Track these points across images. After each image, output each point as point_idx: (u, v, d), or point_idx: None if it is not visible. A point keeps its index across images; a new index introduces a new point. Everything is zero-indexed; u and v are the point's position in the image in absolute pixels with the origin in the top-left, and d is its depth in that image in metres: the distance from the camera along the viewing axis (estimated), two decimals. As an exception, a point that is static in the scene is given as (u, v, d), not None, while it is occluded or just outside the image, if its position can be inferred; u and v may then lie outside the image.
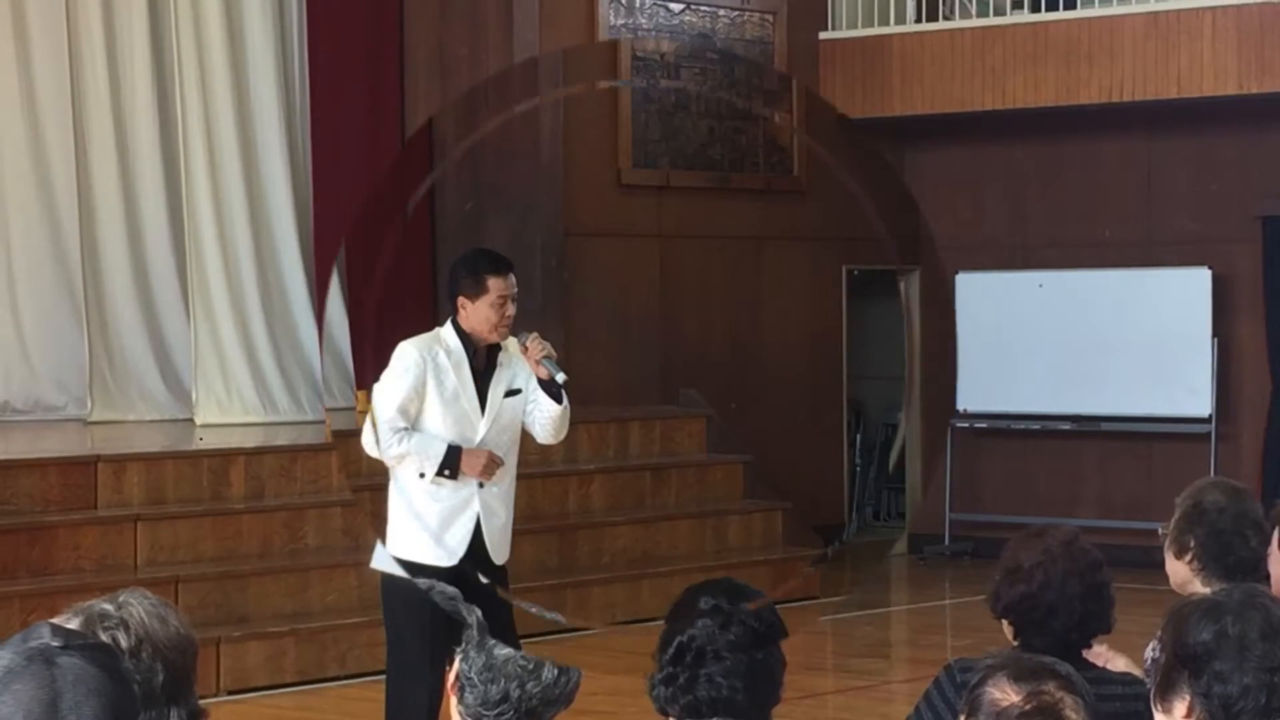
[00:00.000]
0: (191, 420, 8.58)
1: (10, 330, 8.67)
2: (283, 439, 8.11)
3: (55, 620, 1.50)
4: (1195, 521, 3.08)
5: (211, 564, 7.00)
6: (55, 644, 1.36)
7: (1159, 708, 2.02)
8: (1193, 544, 3.07)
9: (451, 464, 4.73)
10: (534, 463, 7.19)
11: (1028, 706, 1.89)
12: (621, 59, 9.32)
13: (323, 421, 8.62)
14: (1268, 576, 2.99)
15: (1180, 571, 3.10)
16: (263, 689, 6.69)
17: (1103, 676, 2.84)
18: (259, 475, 7.41)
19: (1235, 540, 3.05)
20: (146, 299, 8.80)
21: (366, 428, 4.78)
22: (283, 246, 8.90)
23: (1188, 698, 1.98)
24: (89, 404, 8.64)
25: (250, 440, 7.91)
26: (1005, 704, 1.90)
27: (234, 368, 8.64)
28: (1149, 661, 3.06)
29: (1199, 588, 3.04)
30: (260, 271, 8.80)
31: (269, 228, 8.88)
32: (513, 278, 4.79)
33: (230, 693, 6.58)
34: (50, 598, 6.20)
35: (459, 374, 4.76)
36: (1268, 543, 3.04)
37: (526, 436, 4.93)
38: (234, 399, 8.62)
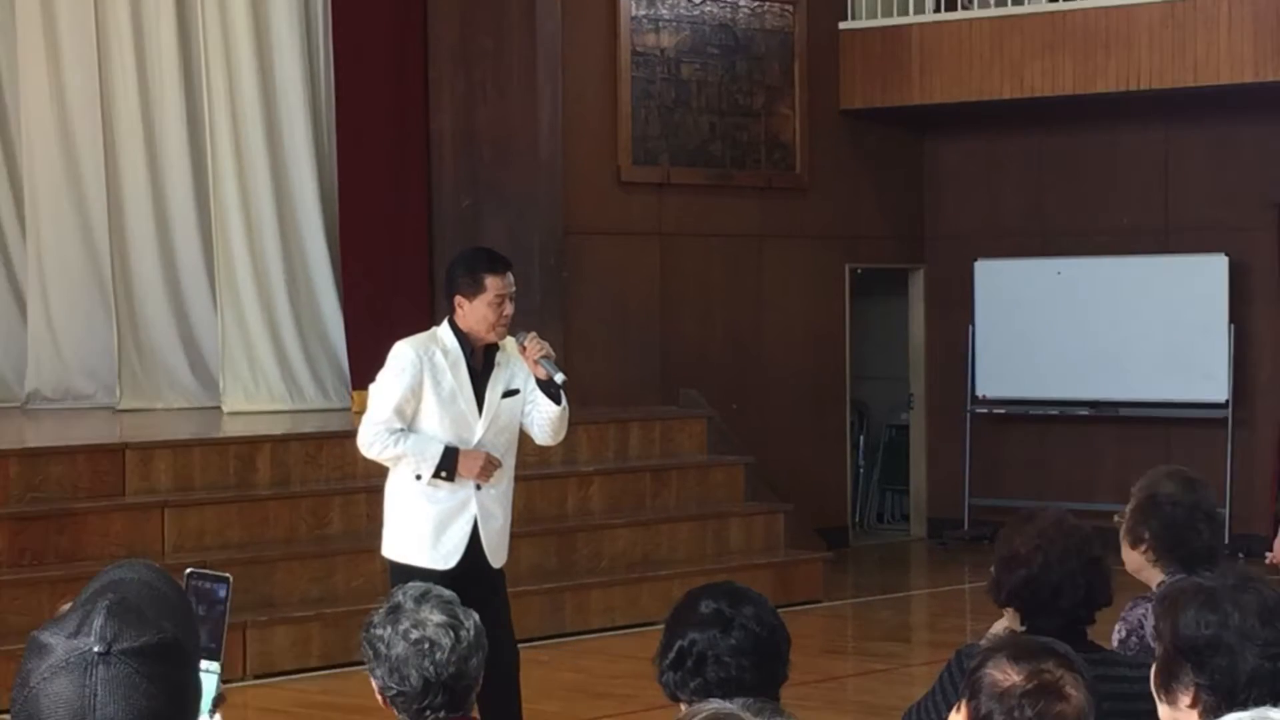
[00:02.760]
0: (219, 409, 8.64)
1: (40, 320, 8.74)
2: (309, 426, 8.09)
3: (64, 607, 1.52)
4: (1149, 513, 3.10)
5: (238, 550, 7.02)
6: (98, 650, 1.40)
7: (1162, 699, 2.03)
8: (1147, 535, 3.09)
9: (448, 465, 4.65)
10: (532, 464, 7.11)
11: (1030, 685, 1.90)
12: (621, 52, 9.25)
13: (348, 409, 8.68)
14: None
15: (1135, 559, 3.13)
16: (288, 673, 6.72)
17: (1111, 658, 2.88)
18: (285, 462, 7.42)
19: (1188, 533, 3.08)
20: (174, 289, 8.83)
21: (362, 428, 4.72)
22: (309, 236, 8.91)
23: (1192, 689, 1.99)
24: (118, 392, 8.68)
25: (277, 427, 7.92)
26: (1007, 684, 1.91)
27: (260, 356, 8.68)
28: (1117, 644, 3.10)
29: (1155, 575, 3.09)
30: (287, 261, 8.82)
31: (295, 218, 8.89)
32: (510, 276, 4.72)
33: (256, 677, 6.61)
34: (79, 584, 6.05)
35: (456, 374, 4.68)
36: (1220, 533, 3.10)
37: (525, 437, 4.87)
38: (260, 387, 8.67)
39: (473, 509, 4.73)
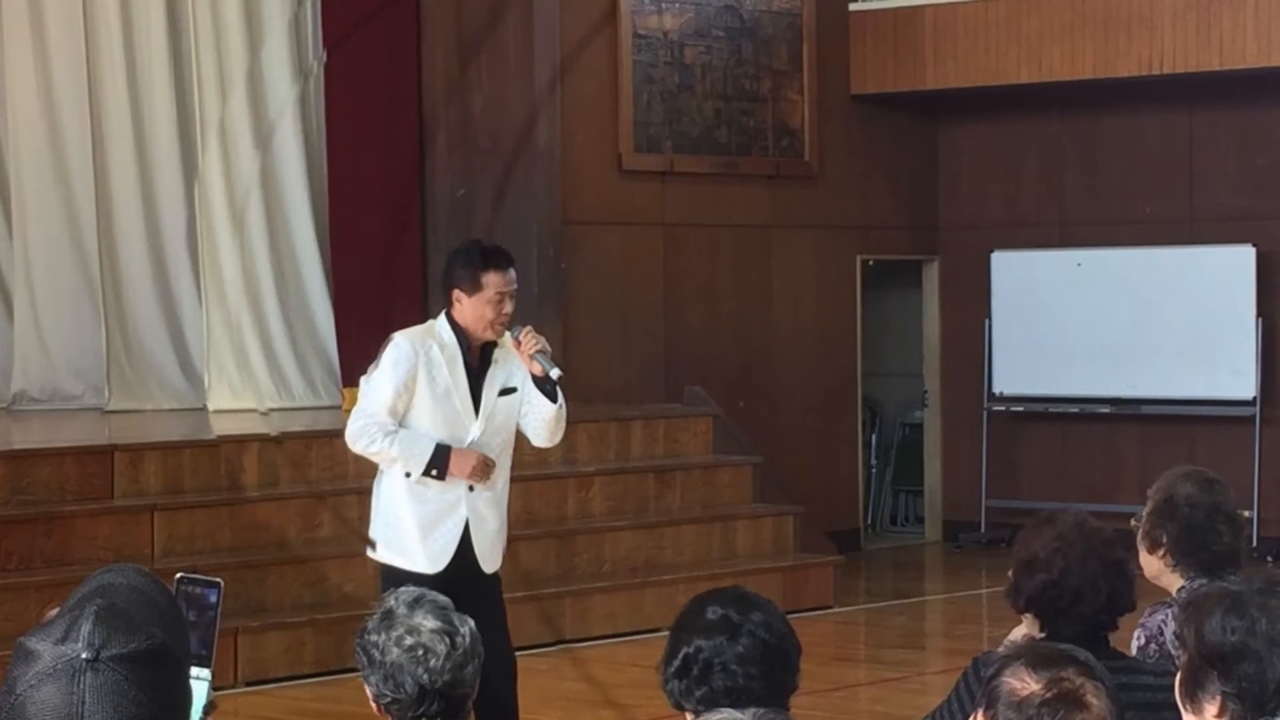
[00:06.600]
0: (209, 409, 8.51)
1: (28, 320, 8.66)
2: (298, 425, 8.01)
3: (51, 612, 1.51)
4: (1167, 516, 3.03)
5: (229, 554, 6.94)
6: (86, 656, 1.40)
7: (1188, 709, 1.99)
8: (1165, 539, 3.03)
9: (439, 464, 4.55)
10: (530, 464, 7.00)
11: (1049, 694, 1.84)
12: (622, 35, 9.11)
13: (338, 406, 8.52)
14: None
15: (1153, 565, 3.06)
16: (281, 680, 6.64)
17: (1135, 666, 2.82)
18: (274, 463, 7.34)
19: (1208, 535, 3.02)
20: (164, 288, 8.77)
21: (351, 421, 4.63)
22: (298, 230, 8.82)
23: (1218, 698, 1.95)
24: (106, 393, 8.61)
25: (266, 426, 7.82)
26: (1025, 693, 1.85)
27: (249, 353, 8.56)
28: (1136, 650, 3.03)
29: (1174, 580, 3.04)
30: (275, 257, 8.72)
31: (284, 212, 8.81)
32: (512, 273, 4.60)
33: (248, 684, 6.56)
34: (67, 588, 5.95)
35: (452, 370, 4.59)
36: (1241, 536, 3.05)
37: (521, 438, 4.76)
38: (248, 384, 8.54)
39: (463, 511, 4.63)
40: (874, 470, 10.81)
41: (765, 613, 2.37)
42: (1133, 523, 3.09)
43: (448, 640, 2.52)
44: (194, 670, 1.63)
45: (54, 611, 1.49)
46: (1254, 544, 9.06)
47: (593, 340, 8.98)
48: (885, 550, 10.32)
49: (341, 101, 8.83)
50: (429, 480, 4.57)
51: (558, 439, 4.75)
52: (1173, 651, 2.80)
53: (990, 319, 10.12)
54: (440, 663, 2.50)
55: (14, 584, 6.38)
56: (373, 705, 2.57)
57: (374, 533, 4.72)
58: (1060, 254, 10.05)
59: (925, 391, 10.64)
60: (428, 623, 2.53)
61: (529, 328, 4.62)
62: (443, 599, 2.58)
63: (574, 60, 9.01)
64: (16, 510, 6.64)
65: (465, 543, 4.60)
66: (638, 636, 7.32)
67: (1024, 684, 1.85)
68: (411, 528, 4.60)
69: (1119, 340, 9.76)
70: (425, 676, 2.50)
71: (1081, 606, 2.74)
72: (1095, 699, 1.85)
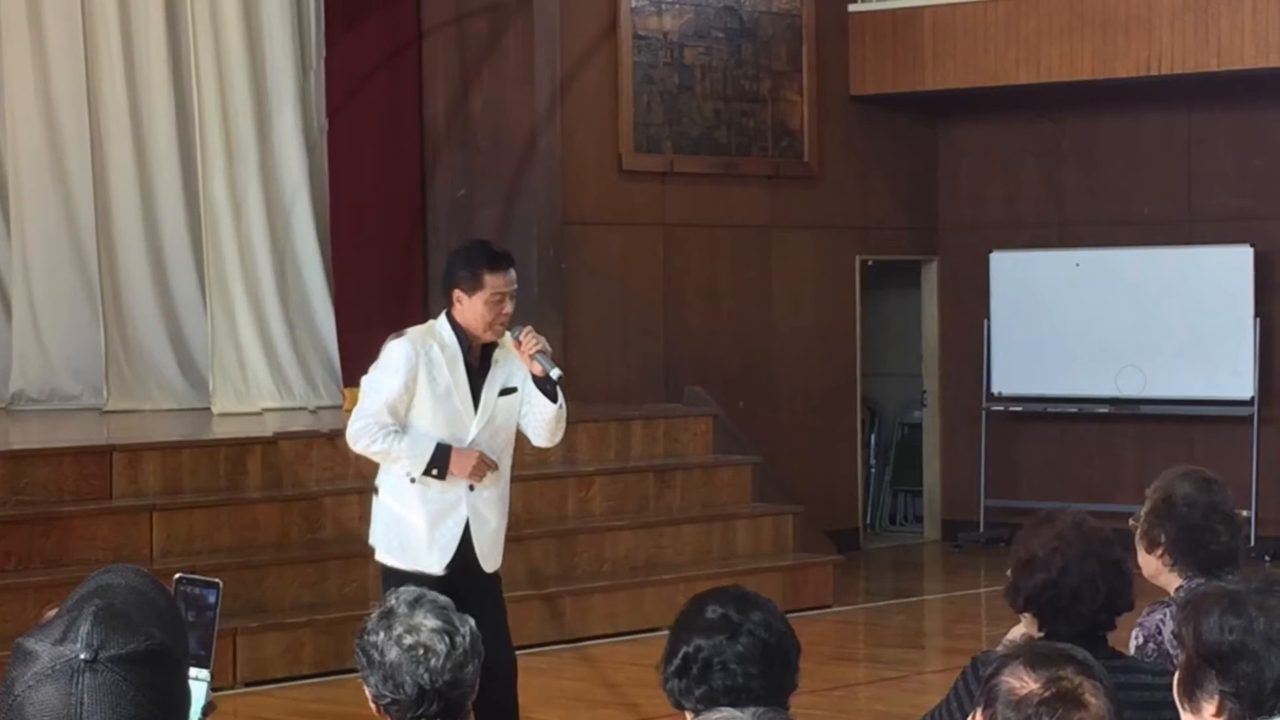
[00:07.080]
0: (209, 410, 8.49)
1: (26, 319, 8.63)
2: (299, 425, 7.99)
3: (50, 613, 1.51)
4: (1165, 516, 3.03)
5: (228, 554, 6.92)
6: (85, 657, 1.39)
7: (1186, 708, 1.98)
8: (1163, 539, 3.03)
9: (439, 463, 4.56)
10: (531, 464, 6.99)
11: (1047, 693, 1.83)
12: (622, 36, 9.10)
13: (339, 406, 8.51)
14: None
15: (1151, 564, 3.06)
16: (280, 680, 6.64)
17: (1133, 665, 2.80)
18: (275, 463, 7.32)
19: (1206, 534, 3.01)
20: (163, 287, 8.73)
21: (352, 421, 4.64)
22: (299, 230, 8.79)
23: (1216, 697, 1.94)
24: (105, 393, 8.58)
25: (267, 428, 7.80)
26: (1024, 692, 1.84)
27: (250, 355, 8.55)
28: (1134, 650, 3.03)
29: (1172, 580, 3.03)
30: (276, 256, 8.70)
31: (284, 212, 8.78)
32: (512, 274, 4.61)
33: (247, 684, 6.55)
34: (65, 589, 5.95)
35: (453, 370, 4.60)
36: (1239, 535, 3.05)
37: (522, 438, 4.77)
38: (250, 387, 8.53)
39: (463, 510, 4.65)
40: (873, 470, 10.79)
41: (765, 612, 2.36)
42: (1131, 522, 3.09)
43: (448, 640, 2.50)
44: (193, 671, 1.63)
45: (52, 612, 1.49)
46: (1252, 543, 9.05)
47: (593, 340, 8.95)
48: (884, 550, 10.30)
49: (342, 102, 8.82)
50: (430, 480, 4.59)
51: (558, 439, 4.76)
52: (1171, 651, 2.81)
53: (989, 319, 10.13)
54: (440, 662, 2.49)
55: (12, 584, 6.37)
56: (372, 706, 2.56)
57: (374, 533, 4.73)
58: (1059, 254, 10.04)
59: (924, 391, 10.63)
60: (428, 622, 2.51)
61: (529, 328, 4.65)
62: (443, 598, 2.58)
63: (574, 61, 8.99)
64: (15, 511, 6.62)
65: (466, 542, 4.61)
66: (638, 636, 7.30)
67: (1022, 683, 1.85)
68: (412, 528, 4.62)
69: (1117, 340, 9.75)
70: (425, 676, 2.48)
71: (1080, 606, 2.74)
72: (1093, 698, 1.84)
